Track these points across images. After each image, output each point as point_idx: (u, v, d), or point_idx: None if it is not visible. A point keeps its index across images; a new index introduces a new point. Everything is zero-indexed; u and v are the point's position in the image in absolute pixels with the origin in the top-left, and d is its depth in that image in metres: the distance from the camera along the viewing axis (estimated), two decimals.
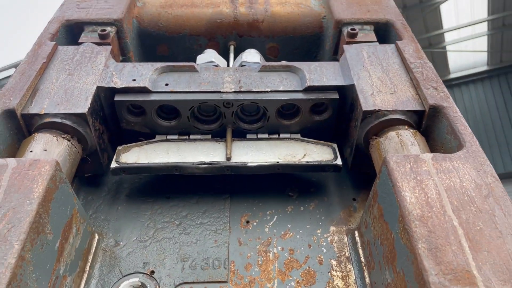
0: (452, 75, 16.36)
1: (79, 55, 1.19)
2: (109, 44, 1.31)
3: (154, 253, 1.11)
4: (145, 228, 1.16)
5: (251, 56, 1.39)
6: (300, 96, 1.15)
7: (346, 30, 1.36)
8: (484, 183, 0.88)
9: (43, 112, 1.04)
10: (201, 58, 1.40)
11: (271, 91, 1.16)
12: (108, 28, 1.31)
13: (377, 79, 1.14)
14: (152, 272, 1.08)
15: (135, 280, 1.06)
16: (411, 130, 1.07)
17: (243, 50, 1.51)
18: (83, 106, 1.06)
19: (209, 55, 1.40)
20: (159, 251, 1.11)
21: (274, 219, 1.19)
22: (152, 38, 1.45)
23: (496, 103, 15.29)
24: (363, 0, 1.45)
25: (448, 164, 0.91)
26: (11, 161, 0.94)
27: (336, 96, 1.15)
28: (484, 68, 15.91)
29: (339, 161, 1.14)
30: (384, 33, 1.40)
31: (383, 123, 1.08)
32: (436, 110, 1.08)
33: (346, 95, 1.17)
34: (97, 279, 1.06)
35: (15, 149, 1.07)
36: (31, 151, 1.01)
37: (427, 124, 1.10)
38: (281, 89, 1.16)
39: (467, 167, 0.90)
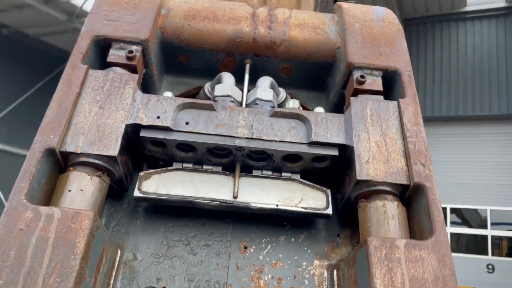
0: (469, 8, 15.72)
1: (108, 83, 1.30)
2: (135, 66, 1.38)
3: (166, 270, 1.31)
4: (159, 245, 1.36)
5: (265, 93, 1.49)
6: (304, 149, 1.29)
7: (356, 74, 1.42)
8: (441, 276, 1.07)
9: (78, 152, 1.19)
10: (219, 90, 1.49)
11: (279, 141, 1.30)
12: (134, 47, 1.38)
13: (375, 143, 1.26)
14: (164, 287, 1.28)
15: None
16: (395, 202, 1.24)
17: (258, 68, 1.59)
18: (114, 148, 1.20)
19: (227, 88, 1.48)
20: (170, 268, 1.32)
21: (268, 248, 1.38)
22: (173, 48, 1.51)
23: (505, 43, 14.95)
24: (377, 39, 1.48)
25: (416, 253, 1.09)
26: (56, 211, 1.09)
27: (336, 153, 1.30)
28: (502, 4, 15.25)
29: (329, 211, 1.33)
30: (391, 79, 1.47)
31: (373, 191, 1.24)
32: (419, 188, 1.22)
33: (346, 151, 1.31)
34: None
35: (53, 179, 1.23)
36: (69, 191, 1.18)
37: (410, 195, 1.26)
38: (288, 139, 1.30)
39: (432, 257, 1.09)
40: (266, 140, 1.30)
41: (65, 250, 1.02)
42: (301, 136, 1.32)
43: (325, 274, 1.31)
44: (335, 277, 1.29)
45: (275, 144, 1.30)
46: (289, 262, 1.34)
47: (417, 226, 1.21)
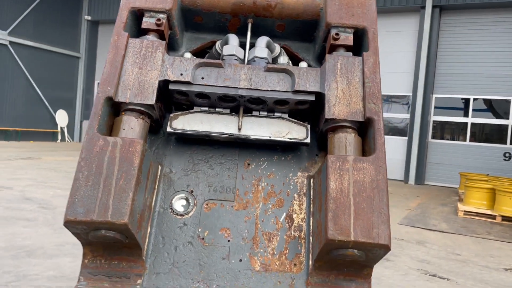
0: None
1: (144, 49, 1.68)
2: (162, 31, 1.73)
3: (193, 180, 1.79)
4: (187, 162, 1.82)
5: (261, 51, 1.83)
6: (289, 95, 1.68)
7: (332, 32, 1.75)
8: (376, 179, 1.50)
9: (128, 101, 1.62)
10: (226, 50, 1.83)
11: (271, 90, 1.68)
12: (161, 15, 1.73)
13: (341, 91, 1.63)
14: (192, 191, 1.77)
15: (182, 195, 1.77)
16: (352, 134, 1.64)
17: (259, 25, 1.91)
18: (151, 98, 1.61)
19: (232, 48, 1.82)
20: (196, 178, 1.79)
21: (265, 164, 1.83)
22: (190, 12, 1.85)
23: None
24: (351, 1, 1.78)
25: (360, 165, 1.52)
26: (119, 140, 1.54)
27: (313, 98, 1.68)
28: None
29: (308, 140, 1.74)
30: (361, 34, 1.79)
31: (337, 126, 1.65)
32: (369, 120, 1.61)
33: (320, 96, 1.68)
34: (161, 194, 1.76)
35: (112, 118, 1.66)
36: (123, 129, 1.62)
37: (365, 126, 1.65)
38: (277, 89, 1.68)
39: (371, 168, 1.51)
40: (261, 90, 1.68)
41: (127, 164, 1.50)
42: (288, 86, 1.69)
43: (305, 181, 1.79)
44: (311, 183, 1.76)
45: (268, 93, 1.67)
46: (279, 174, 1.81)
47: (367, 147, 1.63)
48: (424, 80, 14.56)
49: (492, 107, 14.49)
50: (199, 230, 1.68)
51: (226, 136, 1.71)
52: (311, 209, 1.68)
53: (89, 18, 21.39)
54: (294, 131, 1.73)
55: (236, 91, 1.67)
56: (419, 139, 14.66)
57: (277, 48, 1.95)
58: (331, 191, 1.46)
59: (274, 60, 1.94)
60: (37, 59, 19.92)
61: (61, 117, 20.84)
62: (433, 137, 15.02)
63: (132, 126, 1.59)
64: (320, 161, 1.82)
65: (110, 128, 1.64)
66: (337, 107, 1.60)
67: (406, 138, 15.07)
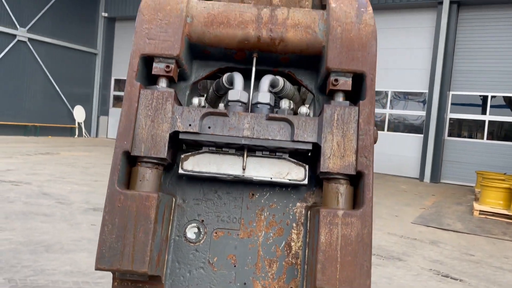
0: None
1: (155, 101, 1.81)
2: (171, 76, 1.87)
3: (203, 209, 1.95)
4: (198, 193, 1.97)
5: (264, 97, 1.96)
6: (289, 144, 1.81)
7: (332, 77, 1.84)
8: (361, 233, 1.64)
9: (142, 155, 1.77)
10: (231, 95, 1.95)
11: (271, 139, 1.81)
12: (170, 61, 1.85)
13: (336, 143, 1.75)
14: (203, 220, 1.93)
15: (194, 224, 1.93)
16: (345, 185, 1.77)
17: (264, 58, 2.02)
18: (163, 152, 1.77)
19: (237, 94, 1.95)
20: (206, 208, 1.95)
21: (267, 195, 1.97)
22: (198, 47, 1.97)
23: None
24: (352, 43, 1.85)
25: (348, 219, 1.65)
26: (136, 194, 1.68)
27: (310, 147, 1.80)
28: None
29: (305, 182, 1.87)
30: (359, 79, 1.86)
31: (331, 178, 1.78)
32: (361, 174, 1.73)
33: (317, 146, 1.80)
34: (176, 223, 1.92)
35: (129, 168, 1.80)
36: (140, 180, 1.78)
37: (357, 177, 1.77)
38: (278, 138, 1.81)
39: (358, 222, 1.65)
40: (263, 139, 1.82)
41: (145, 218, 1.68)
42: (287, 135, 1.81)
43: (303, 212, 1.94)
44: (308, 214, 1.91)
45: (268, 141, 1.82)
46: (280, 204, 1.97)
47: (358, 199, 1.76)
48: (440, 77, 14.38)
49: None
50: (209, 256, 1.90)
51: (231, 177, 1.90)
52: (307, 239, 1.85)
53: (106, 15, 21.67)
54: (294, 172, 1.89)
55: (240, 140, 1.82)
56: (435, 136, 14.51)
57: (281, 81, 2.09)
58: (321, 245, 1.65)
59: (279, 93, 2.10)
60: (55, 56, 20.29)
61: (79, 113, 21.21)
62: (450, 135, 14.85)
63: (147, 178, 1.78)
64: (316, 193, 1.97)
65: (129, 176, 1.82)
66: (331, 160, 1.74)
67: (422, 135, 14.94)
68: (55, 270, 3.89)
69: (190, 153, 1.95)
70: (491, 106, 14.20)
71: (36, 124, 19.32)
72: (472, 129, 14.96)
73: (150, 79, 1.94)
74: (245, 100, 2.01)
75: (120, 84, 22.77)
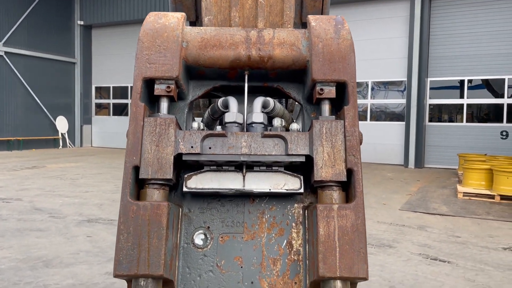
0: None
1: (158, 127, 1.93)
2: (172, 95, 2.00)
3: (208, 217, 2.06)
4: (203, 202, 2.09)
5: (258, 117, 2.13)
6: (283, 158, 1.95)
7: (317, 87, 2.00)
8: (356, 224, 1.79)
9: (150, 177, 1.87)
10: (228, 117, 2.11)
11: (268, 155, 1.96)
12: (170, 82, 1.99)
13: (326, 154, 1.90)
14: (208, 227, 2.04)
15: (201, 231, 2.04)
16: (337, 190, 1.90)
17: (254, 74, 2.17)
18: (169, 173, 1.88)
19: (232, 115, 2.11)
20: (211, 215, 2.06)
21: (267, 199, 2.09)
22: (193, 69, 2.11)
23: None
24: (333, 56, 2.01)
25: (343, 212, 1.80)
26: (148, 204, 1.79)
27: (303, 159, 1.94)
28: None
29: (301, 190, 2.00)
30: (341, 87, 2.03)
31: (324, 186, 1.91)
32: (351, 171, 1.87)
33: (310, 158, 1.94)
34: (183, 231, 2.03)
35: (137, 185, 1.89)
36: (148, 201, 1.87)
37: (348, 176, 1.90)
38: (273, 153, 1.96)
39: (352, 214, 1.80)
40: (260, 155, 1.97)
41: (157, 224, 1.80)
42: (282, 150, 1.97)
43: (301, 211, 2.08)
44: (306, 213, 2.05)
45: (265, 157, 1.97)
46: (280, 206, 2.10)
47: (350, 193, 1.91)
48: (418, 65, 14.69)
49: (490, 85, 14.65)
50: (217, 259, 2.01)
51: (233, 191, 2.01)
52: (307, 236, 1.98)
53: (82, 23, 21.46)
54: (290, 183, 2.02)
55: (238, 157, 1.96)
56: (417, 123, 14.84)
57: (271, 102, 2.26)
58: (321, 237, 1.78)
59: (270, 112, 2.26)
60: (33, 68, 20.04)
61: (61, 123, 21.01)
62: (431, 120, 15.19)
63: (154, 198, 1.90)
64: (312, 194, 2.12)
65: (138, 190, 1.93)
66: (324, 170, 1.88)
67: (404, 123, 15.25)
68: (57, 285, 3.97)
69: (193, 173, 2.06)
70: (468, 88, 14.58)
71: (19, 138, 19.09)
72: (452, 113, 15.34)
73: (151, 99, 2.07)
74: (241, 121, 2.17)
75: (101, 91, 22.57)
